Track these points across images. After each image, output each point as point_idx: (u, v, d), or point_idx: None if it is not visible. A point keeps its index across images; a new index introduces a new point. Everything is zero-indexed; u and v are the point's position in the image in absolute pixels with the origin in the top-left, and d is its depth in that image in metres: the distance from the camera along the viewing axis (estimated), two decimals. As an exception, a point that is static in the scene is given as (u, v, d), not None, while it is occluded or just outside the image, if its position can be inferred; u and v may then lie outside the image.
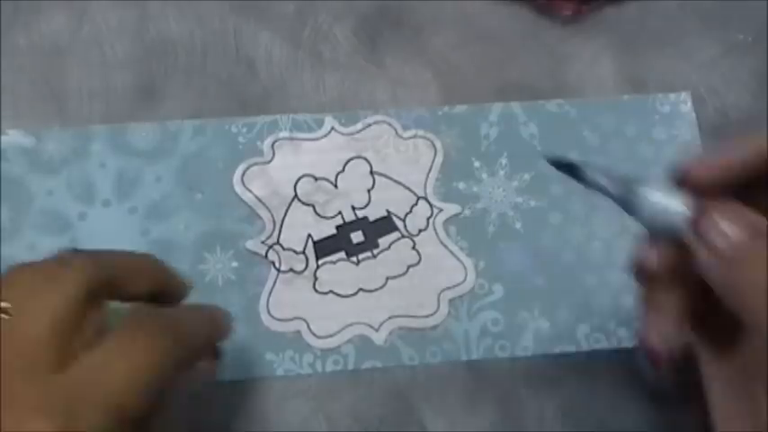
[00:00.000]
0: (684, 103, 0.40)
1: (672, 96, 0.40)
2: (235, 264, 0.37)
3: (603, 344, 0.36)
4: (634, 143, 0.39)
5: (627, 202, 0.25)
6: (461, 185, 0.38)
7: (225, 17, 0.41)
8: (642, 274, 0.25)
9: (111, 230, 0.37)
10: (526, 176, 0.38)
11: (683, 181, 0.24)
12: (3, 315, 0.23)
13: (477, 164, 0.39)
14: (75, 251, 0.27)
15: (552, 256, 0.37)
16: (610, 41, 0.41)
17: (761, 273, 0.22)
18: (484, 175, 0.38)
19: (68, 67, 0.39)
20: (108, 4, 0.40)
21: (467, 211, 0.38)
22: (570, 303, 0.36)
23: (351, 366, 0.35)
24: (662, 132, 0.39)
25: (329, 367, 0.35)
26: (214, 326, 0.29)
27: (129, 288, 0.26)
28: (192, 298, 0.34)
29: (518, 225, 0.38)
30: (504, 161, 0.39)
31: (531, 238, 0.37)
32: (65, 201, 0.37)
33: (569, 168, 0.26)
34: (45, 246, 0.36)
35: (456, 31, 0.41)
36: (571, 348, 0.36)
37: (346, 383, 0.35)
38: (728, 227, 0.23)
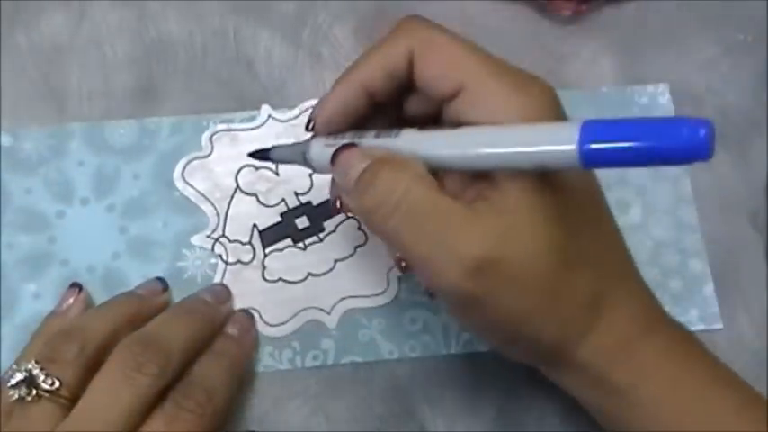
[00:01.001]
0: (663, 94, 0.40)
1: (650, 88, 0.40)
2: (213, 260, 0.37)
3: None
4: (612, 135, 0.39)
5: (305, 162, 0.31)
6: None
7: (225, 17, 0.41)
8: (334, 212, 0.33)
9: (89, 229, 0.37)
10: None
11: (312, 127, 0.30)
12: (56, 398, 0.28)
13: None
14: (161, 281, 0.35)
15: None
16: (609, 41, 0.41)
17: (365, 191, 0.26)
18: None
19: (68, 67, 0.39)
20: (108, 4, 0.40)
21: None
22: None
23: (330, 361, 0.35)
24: None
25: (309, 363, 0.35)
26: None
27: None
28: (174, 295, 0.36)
29: None
30: None
31: None
32: (43, 199, 0.37)
33: (262, 155, 0.33)
34: (23, 245, 0.36)
35: (456, 30, 0.41)
36: None
37: (346, 383, 0.35)
38: (348, 160, 0.27)
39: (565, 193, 0.26)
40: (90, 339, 0.30)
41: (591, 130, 0.22)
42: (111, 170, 0.38)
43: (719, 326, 0.37)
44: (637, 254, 0.37)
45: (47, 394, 0.28)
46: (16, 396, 0.28)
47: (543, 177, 0.26)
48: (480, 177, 0.27)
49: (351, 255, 0.37)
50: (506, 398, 0.35)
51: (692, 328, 0.36)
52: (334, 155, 0.28)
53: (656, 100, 0.40)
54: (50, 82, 0.39)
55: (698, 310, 0.37)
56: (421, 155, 0.27)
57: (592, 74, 0.41)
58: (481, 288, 0.25)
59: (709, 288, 0.37)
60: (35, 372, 0.29)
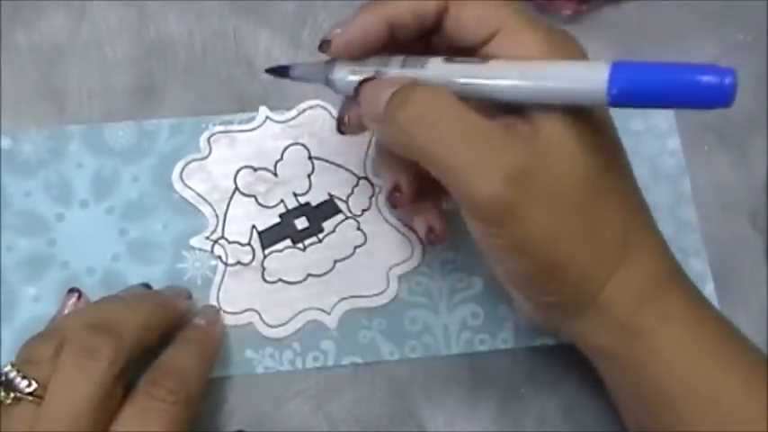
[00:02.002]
0: None
1: None
2: (213, 262, 0.37)
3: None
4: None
5: (328, 82, 0.32)
6: None
7: (225, 17, 0.41)
8: (342, 127, 0.33)
9: (89, 231, 0.37)
10: None
11: (325, 47, 0.30)
12: (36, 399, 0.28)
13: None
14: (145, 287, 0.35)
15: None
16: (609, 41, 0.41)
17: (398, 112, 0.27)
18: None
19: (68, 66, 0.39)
20: (108, 4, 0.40)
21: (445, 205, 0.38)
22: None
23: (331, 362, 0.35)
24: (639, 123, 0.40)
25: (309, 364, 0.35)
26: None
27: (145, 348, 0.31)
28: None
29: None
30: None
31: None
32: (42, 202, 0.37)
33: (281, 71, 0.33)
34: (23, 247, 0.36)
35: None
36: (551, 341, 0.36)
37: (346, 383, 0.35)
38: (376, 86, 0.29)
39: (595, 128, 0.27)
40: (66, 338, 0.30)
41: (621, 70, 0.24)
42: (111, 172, 0.38)
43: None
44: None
45: (27, 396, 0.28)
46: None
47: (574, 111, 0.26)
48: (509, 111, 0.27)
49: (350, 255, 0.37)
50: (506, 398, 0.35)
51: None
52: (361, 83, 0.29)
53: None
54: (50, 82, 0.39)
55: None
56: (451, 84, 0.28)
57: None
58: (518, 198, 0.25)
59: (709, 287, 0.37)
60: (11, 375, 0.28)
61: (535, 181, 0.26)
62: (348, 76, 0.31)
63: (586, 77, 0.25)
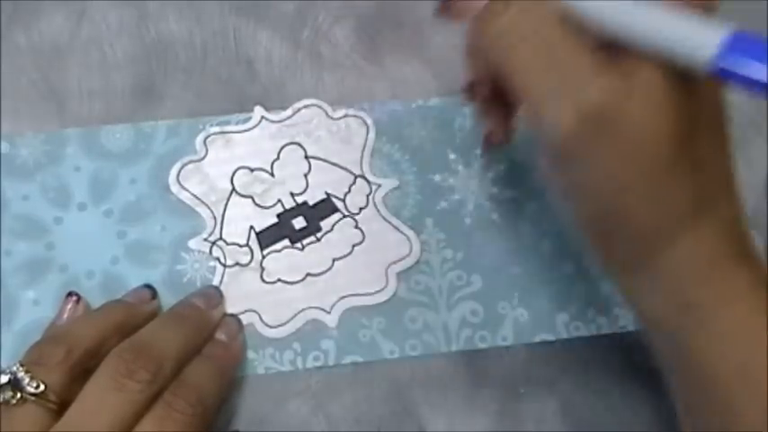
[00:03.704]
0: None
1: None
2: (212, 263, 0.37)
3: (583, 331, 0.36)
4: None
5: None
6: (437, 178, 0.38)
7: (224, 17, 0.41)
8: (468, 88, 0.33)
9: (87, 234, 0.37)
10: (501, 167, 0.39)
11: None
12: (40, 401, 0.28)
13: (452, 156, 0.39)
14: (150, 289, 0.35)
15: (530, 246, 0.38)
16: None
17: (497, 22, 0.26)
18: (459, 167, 0.39)
19: (68, 67, 0.39)
20: (108, 3, 0.40)
21: (444, 204, 0.38)
22: (549, 292, 0.37)
23: (331, 361, 0.35)
24: None
25: (310, 363, 0.35)
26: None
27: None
28: (173, 299, 0.35)
29: (495, 216, 0.38)
30: (479, 152, 0.39)
31: (508, 228, 0.38)
32: (40, 206, 0.37)
33: None
34: (21, 251, 0.36)
35: (456, 30, 0.41)
36: (551, 337, 0.36)
37: (346, 383, 0.35)
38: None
39: (700, 95, 0.25)
40: (77, 344, 0.30)
41: (737, 44, 0.22)
42: (108, 175, 0.38)
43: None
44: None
45: (32, 398, 0.28)
46: (1, 399, 0.28)
47: (679, 71, 0.24)
48: (617, 47, 0.26)
49: (348, 253, 0.37)
50: (506, 398, 0.35)
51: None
52: None
53: None
54: (50, 82, 0.39)
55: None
56: (564, 4, 0.26)
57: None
58: (590, 137, 0.24)
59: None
60: (20, 375, 0.28)
61: (616, 122, 0.24)
62: None
63: (698, 38, 0.23)
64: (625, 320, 0.37)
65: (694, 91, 0.25)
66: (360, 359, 0.36)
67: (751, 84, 0.22)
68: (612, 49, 0.25)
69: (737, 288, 0.26)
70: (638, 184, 0.25)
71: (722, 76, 0.22)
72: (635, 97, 0.24)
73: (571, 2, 0.26)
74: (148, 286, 0.35)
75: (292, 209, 0.38)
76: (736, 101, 0.41)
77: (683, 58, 0.23)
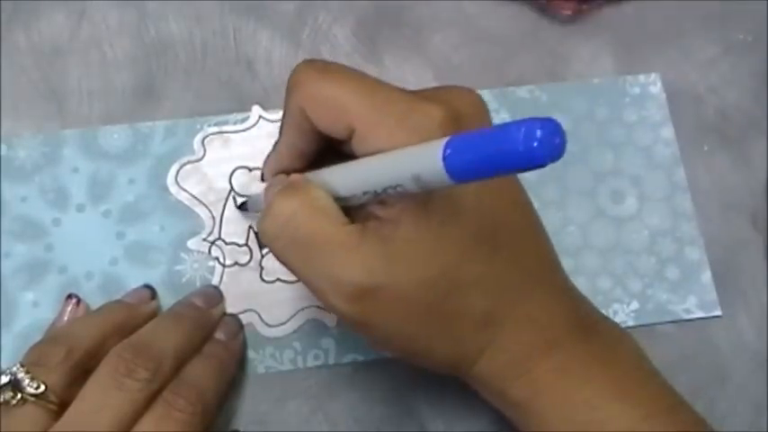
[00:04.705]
0: (654, 84, 0.40)
1: (641, 78, 0.40)
2: (211, 263, 0.37)
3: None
4: (605, 126, 0.40)
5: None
6: None
7: (224, 17, 0.41)
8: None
9: (86, 235, 0.37)
10: None
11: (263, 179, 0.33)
12: (40, 402, 0.28)
13: None
14: (149, 289, 0.35)
15: None
16: (609, 41, 0.41)
17: (272, 216, 0.27)
18: None
19: (68, 67, 0.39)
20: (107, 3, 0.40)
21: None
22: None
23: (332, 360, 0.35)
24: (632, 114, 0.40)
25: (310, 362, 0.35)
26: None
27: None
28: (172, 299, 0.35)
29: None
30: None
31: None
32: (39, 207, 0.37)
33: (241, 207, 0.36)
34: (20, 253, 0.36)
35: (456, 30, 0.41)
36: None
37: (346, 383, 0.35)
38: (270, 184, 0.30)
39: (459, 215, 0.26)
40: (77, 345, 0.30)
41: (453, 144, 0.21)
42: (106, 176, 0.38)
43: (718, 312, 0.37)
44: (633, 243, 0.38)
45: (32, 398, 0.28)
46: (1, 400, 0.28)
47: (434, 201, 0.25)
48: (379, 202, 0.26)
49: None
50: (506, 398, 0.35)
51: (691, 317, 0.37)
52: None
53: (648, 90, 0.40)
54: (50, 82, 0.39)
55: (696, 298, 0.37)
56: (325, 185, 0.27)
57: (592, 74, 0.41)
58: (365, 313, 0.26)
59: (706, 275, 0.37)
60: (20, 375, 0.28)
61: (381, 294, 0.26)
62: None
63: (422, 158, 0.22)
64: (623, 316, 0.37)
65: (457, 209, 0.26)
66: (360, 358, 0.36)
67: (481, 168, 0.20)
68: (367, 211, 0.27)
69: (542, 380, 0.28)
70: (424, 329, 0.27)
71: (461, 176, 0.21)
72: (399, 255, 0.26)
73: (309, 180, 0.28)
74: (148, 286, 0.36)
75: None
76: (737, 101, 0.42)
77: (425, 182, 0.22)
